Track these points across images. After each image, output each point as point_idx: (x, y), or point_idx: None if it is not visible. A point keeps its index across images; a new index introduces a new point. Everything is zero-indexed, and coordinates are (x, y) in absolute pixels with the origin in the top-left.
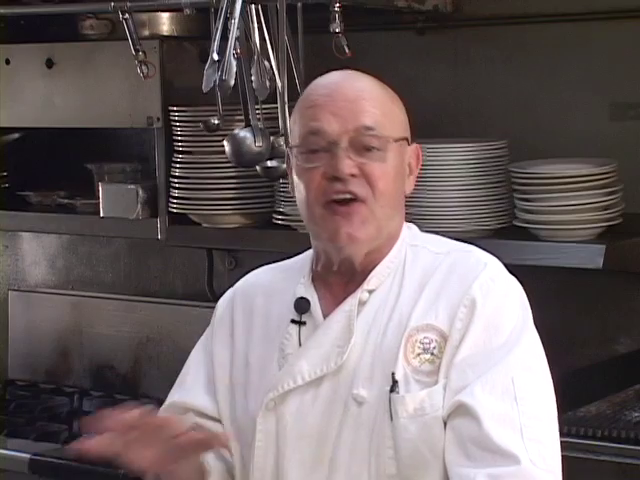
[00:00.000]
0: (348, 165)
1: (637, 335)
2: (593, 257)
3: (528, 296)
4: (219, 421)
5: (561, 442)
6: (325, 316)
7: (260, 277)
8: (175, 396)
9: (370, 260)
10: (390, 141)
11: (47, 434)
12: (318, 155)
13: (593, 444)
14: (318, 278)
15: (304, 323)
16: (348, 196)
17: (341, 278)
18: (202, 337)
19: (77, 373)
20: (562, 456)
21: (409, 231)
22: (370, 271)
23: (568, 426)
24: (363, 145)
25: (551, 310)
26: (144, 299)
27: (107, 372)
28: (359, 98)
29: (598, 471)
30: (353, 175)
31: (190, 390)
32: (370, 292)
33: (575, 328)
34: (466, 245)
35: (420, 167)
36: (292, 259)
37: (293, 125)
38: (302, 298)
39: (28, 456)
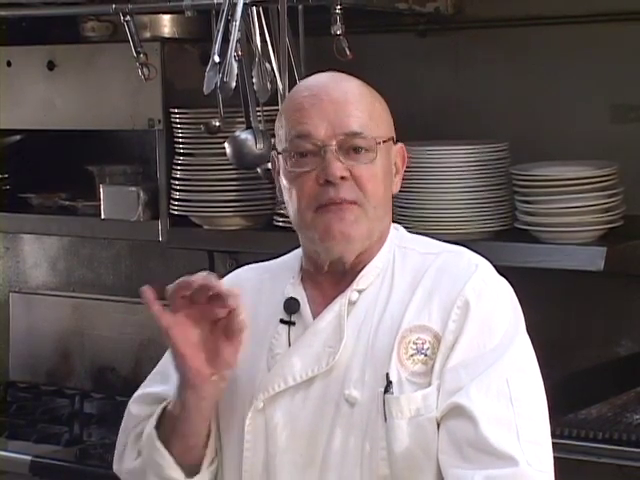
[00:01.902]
0: (339, 168)
1: (638, 337)
2: (594, 259)
3: (529, 298)
4: None
5: (562, 444)
6: (315, 316)
7: (246, 275)
8: (154, 386)
9: (360, 260)
10: (378, 142)
11: (48, 436)
12: (307, 159)
13: (594, 446)
14: (307, 278)
15: (293, 323)
16: (338, 200)
17: (331, 278)
18: None
19: (78, 375)
20: (563, 458)
21: (396, 232)
22: (359, 271)
23: (569, 428)
24: (351, 147)
25: (552, 312)
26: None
27: (108, 374)
28: (346, 101)
29: (599, 473)
30: (344, 178)
31: (167, 382)
32: (360, 292)
33: (576, 330)
34: (455, 246)
35: (406, 166)
36: (279, 259)
37: (279, 129)
38: (292, 298)
39: (29, 458)
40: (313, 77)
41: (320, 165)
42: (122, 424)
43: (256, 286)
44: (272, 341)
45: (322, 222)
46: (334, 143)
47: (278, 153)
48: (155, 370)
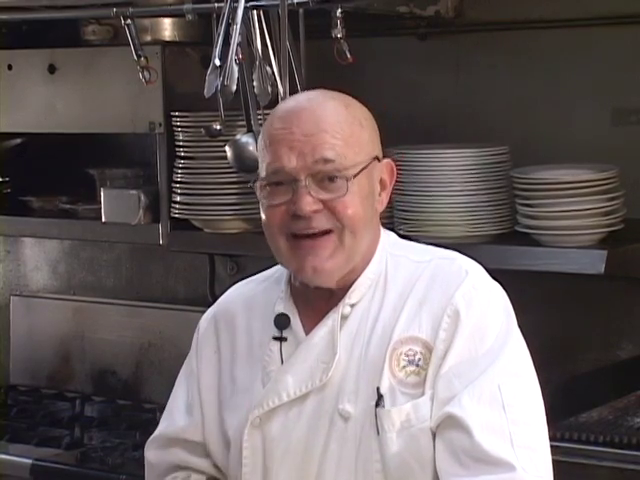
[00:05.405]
0: (308, 203)
1: (639, 340)
2: (595, 262)
3: (529, 301)
4: (202, 444)
5: (563, 448)
6: (306, 330)
7: (240, 292)
8: (163, 424)
9: (348, 278)
10: (353, 173)
11: (49, 439)
12: (280, 189)
13: (595, 450)
14: (297, 293)
15: (285, 339)
16: (311, 231)
17: (321, 293)
18: (187, 358)
19: (79, 378)
20: (564, 462)
21: (388, 239)
22: (351, 284)
23: (570, 432)
24: (325, 176)
25: (552, 316)
26: (146, 304)
27: (109, 377)
28: (319, 130)
29: (600, 477)
30: (315, 211)
31: (173, 417)
32: (352, 306)
33: (577, 334)
34: (448, 252)
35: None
36: (270, 269)
37: (260, 151)
38: (282, 314)
39: (30, 461)
40: (290, 100)
41: (291, 198)
42: (145, 472)
43: (248, 302)
44: (265, 358)
45: (296, 257)
46: (303, 177)
47: (255, 181)
48: (165, 409)
